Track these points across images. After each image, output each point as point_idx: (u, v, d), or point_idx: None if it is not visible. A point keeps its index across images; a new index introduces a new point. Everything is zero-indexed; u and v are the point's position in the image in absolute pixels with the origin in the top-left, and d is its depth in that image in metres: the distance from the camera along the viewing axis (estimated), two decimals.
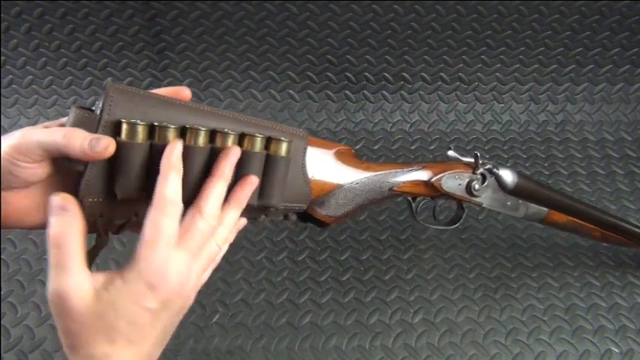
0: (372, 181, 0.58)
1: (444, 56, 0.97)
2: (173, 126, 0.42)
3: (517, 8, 0.94)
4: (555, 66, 0.98)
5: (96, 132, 0.40)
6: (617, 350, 0.75)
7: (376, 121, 0.98)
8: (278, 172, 0.48)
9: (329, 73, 0.97)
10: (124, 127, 0.41)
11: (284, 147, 0.47)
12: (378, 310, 0.79)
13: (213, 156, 0.44)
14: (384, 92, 0.98)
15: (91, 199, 0.42)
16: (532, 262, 0.84)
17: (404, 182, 0.61)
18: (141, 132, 0.41)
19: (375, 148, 0.96)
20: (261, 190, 0.47)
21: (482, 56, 0.97)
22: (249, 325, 0.77)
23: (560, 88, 1.00)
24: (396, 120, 0.99)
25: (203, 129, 0.43)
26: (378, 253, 0.84)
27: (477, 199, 0.65)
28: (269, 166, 0.47)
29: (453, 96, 0.99)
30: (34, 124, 0.94)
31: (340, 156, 0.56)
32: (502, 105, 1.00)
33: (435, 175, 0.63)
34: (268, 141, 0.47)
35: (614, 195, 0.91)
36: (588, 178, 0.93)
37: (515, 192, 0.67)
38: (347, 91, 0.98)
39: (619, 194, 0.92)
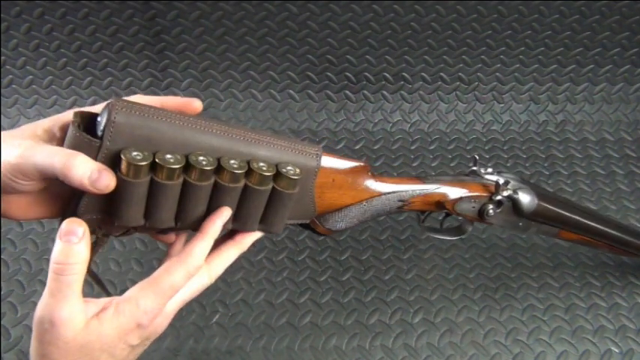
0: (382, 200, 0.55)
1: (444, 56, 0.97)
2: (176, 165, 0.40)
3: (517, 8, 0.94)
4: (555, 66, 0.98)
5: (95, 159, 0.39)
6: (617, 350, 0.75)
7: (376, 121, 0.98)
8: (283, 205, 0.46)
9: (329, 73, 0.97)
10: (124, 164, 0.38)
11: (292, 183, 0.45)
12: (378, 310, 0.79)
13: (215, 188, 0.43)
14: (384, 92, 0.98)
15: (89, 217, 0.41)
16: (532, 262, 0.84)
17: (415, 201, 0.57)
18: (143, 171, 0.39)
19: (375, 148, 0.96)
20: (263, 218, 0.46)
21: (482, 56, 0.97)
22: (249, 325, 0.77)
23: (560, 88, 1.00)
24: (396, 120, 0.99)
25: (208, 167, 0.41)
26: (378, 253, 0.84)
27: (488, 222, 0.62)
28: (274, 198, 0.45)
29: (453, 96, 0.99)
30: None
31: (354, 175, 0.52)
32: (502, 105, 1.00)
33: (450, 197, 0.58)
34: (276, 175, 0.44)
35: (614, 195, 0.91)
36: (588, 178, 0.93)
37: (531, 216, 0.63)
38: (347, 91, 0.98)
39: (619, 194, 0.92)
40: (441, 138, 0.98)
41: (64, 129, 0.41)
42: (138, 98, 0.43)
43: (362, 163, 0.53)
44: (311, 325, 0.77)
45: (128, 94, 1.06)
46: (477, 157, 0.62)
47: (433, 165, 0.94)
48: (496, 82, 0.99)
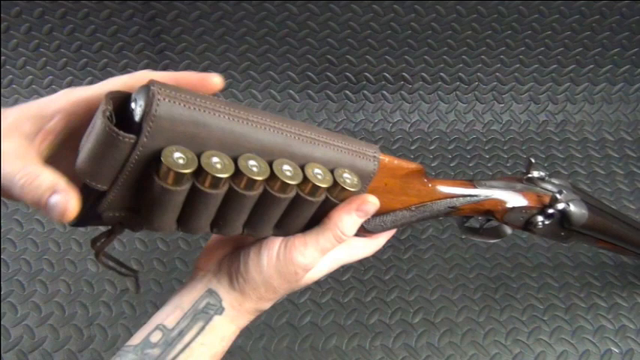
0: (431, 207, 0.50)
1: (444, 56, 0.97)
2: (225, 175, 0.34)
3: (517, 8, 0.94)
4: (555, 66, 0.98)
5: (128, 156, 0.33)
6: (617, 350, 0.75)
7: (376, 121, 0.98)
8: (325, 213, 0.42)
9: (329, 73, 0.97)
10: (164, 168, 0.33)
11: (348, 195, 0.42)
12: (378, 310, 0.79)
13: (263, 195, 0.38)
14: (384, 92, 0.98)
15: (111, 214, 0.37)
16: (532, 262, 0.84)
17: (465, 208, 0.53)
18: (185, 178, 0.34)
19: None
20: (308, 225, 0.43)
21: (483, 56, 0.97)
22: (249, 325, 0.77)
23: (560, 88, 1.00)
24: (396, 120, 0.99)
25: (259, 178, 0.36)
26: (378, 253, 0.84)
27: (533, 232, 0.57)
28: (325, 207, 0.42)
29: (453, 96, 0.99)
30: None
31: (408, 178, 0.48)
32: (502, 105, 1.00)
33: (501, 206, 0.54)
34: (333, 185, 0.40)
35: (614, 195, 0.91)
36: (588, 178, 0.93)
37: (578, 229, 0.59)
38: (347, 91, 0.98)
39: (619, 194, 0.92)
40: (441, 138, 0.98)
41: (52, 116, 0.36)
42: (147, 74, 0.38)
43: (418, 166, 0.48)
44: (311, 325, 0.77)
45: None
46: (533, 161, 0.58)
47: (433, 165, 0.94)
48: (496, 82, 0.99)
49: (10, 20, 0.91)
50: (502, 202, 0.54)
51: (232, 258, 0.45)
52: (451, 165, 0.94)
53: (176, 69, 0.95)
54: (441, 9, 0.93)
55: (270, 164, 0.37)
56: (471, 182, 0.54)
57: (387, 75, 0.97)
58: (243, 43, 0.95)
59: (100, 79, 1.04)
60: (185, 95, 0.34)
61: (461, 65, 0.97)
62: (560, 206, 0.56)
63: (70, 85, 0.95)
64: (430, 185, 0.50)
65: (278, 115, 0.39)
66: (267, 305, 0.45)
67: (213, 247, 0.47)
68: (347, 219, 0.42)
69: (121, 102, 0.34)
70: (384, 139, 0.97)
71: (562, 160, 0.96)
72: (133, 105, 0.33)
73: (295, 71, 0.97)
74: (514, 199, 0.55)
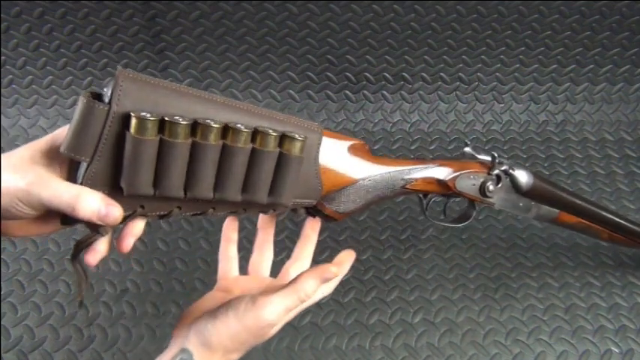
0: (384, 178, 0.56)
1: (444, 56, 0.97)
2: (184, 122, 0.40)
3: (517, 8, 0.94)
4: (555, 66, 0.98)
5: (104, 124, 0.39)
6: (617, 350, 0.75)
7: (376, 121, 0.98)
8: (290, 171, 0.47)
9: (329, 73, 0.97)
10: (133, 121, 0.39)
11: (298, 146, 0.46)
12: (378, 310, 0.79)
13: (223, 151, 0.43)
14: (384, 92, 0.98)
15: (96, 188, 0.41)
16: (532, 262, 0.84)
17: (417, 180, 0.59)
18: (151, 127, 0.39)
19: (375, 148, 0.96)
20: (272, 188, 0.47)
21: (482, 56, 0.97)
22: None
23: (560, 88, 1.00)
24: (396, 120, 0.99)
25: (215, 126, 0.42)
26: (378, 253, 0.84)
27: (490, 200, 0.64)
28: (281, 164, 0.46)
29: (453, 96, 0.99)
30: (34, 124, 0.94)
31: (354, 151, 0.54)
32: (502, 105, 1.00)
33: (450, 174, 0.60)
34: (282, 138, 0.45)
35: (614, 195, 0.91)
36: (588, 178, 0.93)
37: (529, 194, 0.65)
38: (347, 91, 0.98)
39: (619, 194, 0.92)
40: (441, 138, 0.98)
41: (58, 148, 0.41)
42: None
43: (360, 141, 0.54)
44: (311, 325, 0.77)
45: None
46: (496, 155, 0.64)
47: None
48: (496, 82, 0.99)
49: (10, 20, 0.91)
50: (449, 170, 0.60)
51: (203, 320, 0.49)
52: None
53: (176, 69, 0.95)
54: (441, 9, 0.93)
55: (226, 123, 0.43)
56: (418, 159, 0.60)
57: (387, 75, 0.97)
58: (243, 43, 0.95)
59: (100, 79, 1.04)
60: (145, 76, 0.41)
61: (461, 65, 0.97)
62: (503, 167, 0.62)
63: (70, 85, 0.95)
64: (378, 159, 0.56)
65: (229, 98, 0.45)
66: (234, 356, 0.49)
67: (187, 316, 0.52)
68: (314, 285, 0.48)
69: (96, 97, 0.40)
70: (384, 139, 0.97)
71: (562, 160, 0.96)
72: (104, 89, 0.40)
73: (295, 71, 0.97)
74: (460, 167, 0.61)
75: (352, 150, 0.54)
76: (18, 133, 0.94)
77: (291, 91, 0.97)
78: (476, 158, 0.63)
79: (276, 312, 0.47)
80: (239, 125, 0.43)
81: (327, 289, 0.54)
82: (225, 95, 0.97)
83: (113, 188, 0.41)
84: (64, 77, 0.94)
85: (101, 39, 0.93)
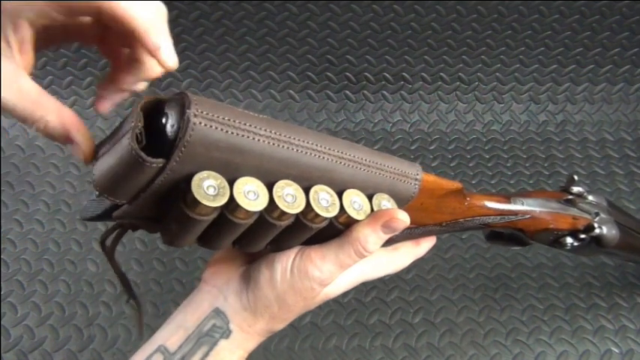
0: (463, 223, 0.48)
1: (444, 56, 0.97)
2: (258, 209, 0.33)
3: (517, 8, 0.94)
4: (555, 66, 0.98)
5: (153, 179, 0.31)
6: (617, 350, 0.75)
7: (376, 121, 0.98)
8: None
9: (329, 73, 0.97)
10: (190, 197, 0.31)
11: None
12: (378, 310, 0.79)
13: (295, 223, 0.36)
14: (384, 92, 0.98)
15: (127, 220, 0.35)
16: (532, 262, 0.84)
17: (497, 224, 0.51)
18: (214, 210, 0.32)
19: (375, 148, 0.96)
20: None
21: (483, 56, 0.97)
22: None
23: (560, 88, 1.00)
24: (396, 120, 0.99)
25: (294, 211, 0.34)
26: None
27: (559, 249, 0.56)
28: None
29: (453, 96, 0.99)
30: None
31: (445, 197, 0.45)
32: (502, 105, 1.00)
33: (534, 227, 0.52)
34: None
35: (614, 195, 0.91)
36: (588, 178, 0.93)
37: (606, 249, 0.57)
38: (347, 91, 0.98)
39: (619, 194, 0.92)
40: (441, 138, 0.98)
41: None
42: None
43: (458, 186, 0.45)
44: (311, 325, 0.77)
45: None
46: (576, 178, 0.56)
47: (433, 165, 0.94)
48: (496, 82, 0.99)
49: None
50: (536, 223, 0.52)
51: (243, 274, 0.42)
52: (451, 165, 0.94)
53: (176, 69, 0.95)
54: (441, 9, 0.93)
55: (307, 192, 0.35)
56: (508, 198, 0.51)
57: (387, 75, 0.97)
58: (243, 43, 0.95)
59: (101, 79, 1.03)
60: (224, 116, 0.31)
61: (461, 65, 0.97)
62: (595, 233, 0.53)
63: (69, 85, 0.95)
64: (467, 204, 0.47)
65: (322, 135, 0.36)
66: (279, 326, 0.42)
67: (222, 259, 0.44)
68: (371, 235, 0.38)
69: (151, 108, 0.32)
70: (384, 139, 0.97)
71: (562, 160, 0.96)
72: (164, 120, 0.31)
73: (295, 71, 0.96)
74: (549, 221, 0.53)
75: (444, 196, 0.45)
76: (18, 133, 0.94)
77: (291, 91, 0.97)
78: (572, 206, 0.54)
79: (327, 268, 0.39)
80: (322, 198, 0.35)
81: (395, 265, 0.46)
82: (225, 95, 0.97)
83: (149, 220, 0.35)
84: (64, 77, 0.94)
85: None
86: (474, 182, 0.92)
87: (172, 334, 0.40)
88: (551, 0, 0.94)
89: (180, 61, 1.02)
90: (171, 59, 0.35)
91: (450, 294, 0.80)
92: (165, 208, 0.33)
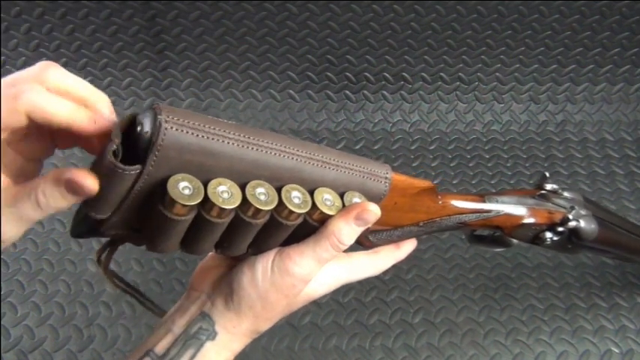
0: (439, 223, 0.49)
1: (444, 56, 0.97)
2: (232, 206, 0.34)
3: (517, 8, 0.94)
4: (555, 66, 0.98)
5: (132, 188, 0.32)
6: (617, 350, 0.75)
7: (376, 121, 0.98)
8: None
9: (329, 73, 0.97)
10: (168, 198, 0.32)
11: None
12: (378, 310, 0.79)
13: (270, 221, 0.37)
14: (384, 92, 0.98)
15: (113, 232, 0.36)
16: (532, 262, 0.84)
17: (474, 222, 0.52)
18: (191, 209, 0.33)
19: (375, 148, 0.96)
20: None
21: (483, 56, 0.97)
22: None
23: (560, 88, 1.00)
24: (396, 120, 0.98)
25: (267, 208, 0.35)
26: None
27: (540, 246, 0.57)
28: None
29: (453, 96, 0.99)
30: None
31: (418, 196, 0.46)
32: (502, 105, 1.00)
33: (511, 223, 0.53)
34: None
35: (614, 195, 0.91)
36: (588, 178, 0.93)
37: (586, 244, 0.58)
38: (347, 91, 0.98)
39: (619, 194, 0.92)
40: (441, 138, 0.98)
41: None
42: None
43: (430, 184, 0.46)
44: (311, 325, 0.77)
45: (128, 95, 1.06)
46: (547, 175, 0.57)
47: (433, 165, 0.94)
48: (496, 82, 0.99)
49: (10, 20, 0.91)
50: (512, 219, 0.53)
51: (227, 278, 0.43)
52: (451, 165, 0.94)
53: (176, 69, 0.95)
54: (441, 9, 0.93)
55: (279, 191, 0.36)
56: (482, 197, 0.52)
57: (387, 75, 0.97)
58: (243, 43, 0.95)
59: (100, 79, 1.04)
60: (193, 122, 0.32)
61: (461, 65, 0.97)
62: (572, 224, 0.54)
63: None
64: (440, 202, 0.48)
65: (291, 138, 0.37)
66: (264, 326, 0.43)
67: (208, 266, 0.45)
68: (345, 228, 0.39)
69: (128, 124, 0.33)
70: (384, 139, 0.97)
71: (562, 160, 0.95)
72: (138, 129, 0.32)
73: (295, 71, 0.96)
74: (524, 216, 0.54)
75: (417, 195, 0.46)
76: None
77: (291, 91, 0.97)
78: (546, 202, 0.55)
79: (306, 264, 0.40)
80: (294, 196, 0.37)
81: (375, 267, 0.47)
82: (225, 95, 0.97)
83: (133, 231, 0.37)
84: None
85: (101, 39, 0.93)
86: (474, 182, 0.92)
87: (161, 338, 0.42)
88: (551, 0, 0.94)
89: (180, 60, 1.03)
90: (106, 110, 0.35)
91: (450, 294, 0.80)
92: (146, 217, 0.35)
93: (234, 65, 0.96)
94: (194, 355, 0.40)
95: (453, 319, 0.78)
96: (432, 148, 0.96)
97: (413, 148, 0.96)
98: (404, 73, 0.97)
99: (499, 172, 0.94)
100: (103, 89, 0.95)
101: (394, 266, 0.82)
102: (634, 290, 0.81)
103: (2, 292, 0.79)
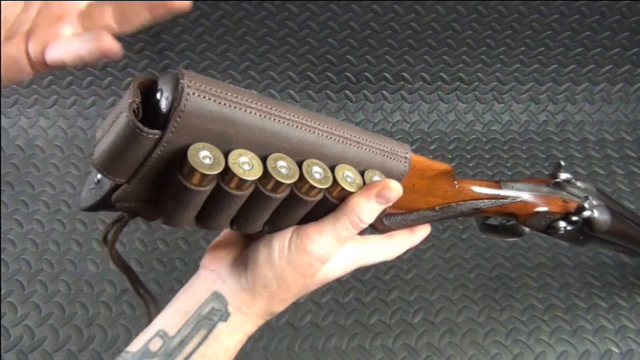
0: (455, 207, 0.49)
1: (444, 56, 0.97)
2: (253, 178, 0.33)
3: (517, 8, 0.94)
4: (555, 66, 0.98)
5: (150, 152, 0.31)
6: (617, 350, 0.75)
7: (376, 121, 0.98)
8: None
9: (329, 73, 0.97)
10: (187, 167, 0.31)
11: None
12: (378, 310, 0.79)
13: (290, 197, 0.37)
14: (384, 92, 0.98)
15: (126, 204, 0.35)
16: (532, 262, 0.84)
17: (489, 209, 0.51)
18: (210, 179, 0.33)
19: None
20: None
21: (483, 56, 0.97)
22: None
23: (560, 88, 1.00)
24: (396, 120, 0.99)
25: (288, 181, 0.34)
26: None
27: (553, 236, 0.56)
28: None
29: (453, 96, 0.99)
30: (34, 124, 0.94)
31: (436, 179, 0.46)
32: (502, 105, 1.00)
33: (526, 210, 0.53)
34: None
35: (614, 195, 0.91)
36: (588, 178, 0.93)
37: (597, 235, 0.57)
38: (347, 91, 0.98)
39: (619, 194, 0.92)
40: (441, 138, 0.98)
41: None
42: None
43: (448, 167, 0.46)
44: (311, 325, 0.77)
45: None
46: (563, 163, 0.57)
47: None
48: (496, 82, 0.99)
49: None
50: (527, 206, 0.53)
51: (241, 257, 0.42)
52: (451, 165, 0.94)
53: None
54: (441, 9, 0.93)
55: (300, 165, 0.36)
56: (498, 183, 0.52)
57: (387, 75, 0.97)
58: (243, 43, 0.95)
59: (100, 80, 1.04)
60: (216, 89, 0.32)
61: (461, 65, 0.97)
62: (586, 214, 0.54)
63: (70, 85, 0.95)
64: (457, 186, 0.48)
65: (312, 112, 0.37)
66: (279, 307, 0.42)
67: (221, 244, 0.44)
68: (365, 205, 0.38)
69: (146, 88, 0.32)
70: None
71: (562, 160, 0.95)
72: (158, 95, 0.31)
73: (295, 71, 0.96)
74: (540, 205, 0.53)
75: (435, 178, 0.47)
76: (18, 133, 0.94)
77: (291, 91, 0.97)
78: (561, 191, 0.55)
79: (325, 243, 0.39)
80: (315, 171, 0.36)
81: (391, 251, 0.46)
82: None
83: (148, 203, 0.35)
84: (64, 77, 0.94)
85: None
86: None
87: (171, 318, 0.40)
88: (551, 0, 0.94)
89: (180, 60, 1.03)
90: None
91: (450, 294, 0.80)
92: (163, 187, 0.34)
93: (234, 65, 0.96)
94: (206, 337, 0.39)
95: (453, 319, 0.78)
96: (432, 148, 0.96)
97: (413, 148, 0.96)
98: (404, 73, 0.97)
99: (499, 172, 0.94)
100: (103, 89, 0.96)
101: (394, 266, 0.83)
102: (634, 290, 0.81)
103: (2, 292, 0.79)
